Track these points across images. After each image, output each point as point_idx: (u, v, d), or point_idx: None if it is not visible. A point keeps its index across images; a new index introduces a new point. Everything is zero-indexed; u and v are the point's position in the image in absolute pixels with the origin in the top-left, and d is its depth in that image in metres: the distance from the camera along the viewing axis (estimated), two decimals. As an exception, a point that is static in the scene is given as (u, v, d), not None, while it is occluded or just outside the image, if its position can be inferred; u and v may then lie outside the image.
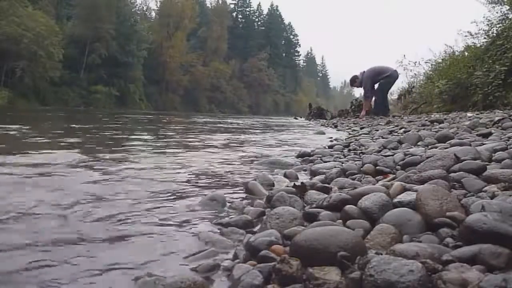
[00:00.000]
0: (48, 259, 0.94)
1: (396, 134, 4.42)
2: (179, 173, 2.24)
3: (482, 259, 0.80)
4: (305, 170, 2.43)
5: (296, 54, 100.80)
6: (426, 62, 13.62)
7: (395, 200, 1.26)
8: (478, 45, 10.88)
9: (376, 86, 10.88)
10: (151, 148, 3.73)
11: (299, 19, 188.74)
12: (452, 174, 1.54)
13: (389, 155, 2.40)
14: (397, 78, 11.19)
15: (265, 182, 1.92)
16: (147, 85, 56.14)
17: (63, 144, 3.77)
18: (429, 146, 2.68)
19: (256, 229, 1.26)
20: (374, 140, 3.80)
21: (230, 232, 1.20)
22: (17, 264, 0.90)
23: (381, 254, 0.87)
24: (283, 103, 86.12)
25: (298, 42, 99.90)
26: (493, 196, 1.25)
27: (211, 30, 71.90)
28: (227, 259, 1.00)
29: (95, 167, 2.28)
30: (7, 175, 1.90)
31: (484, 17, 10.67)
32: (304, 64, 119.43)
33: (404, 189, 1.37)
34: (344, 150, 3.27)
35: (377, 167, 2.06)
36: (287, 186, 1.76)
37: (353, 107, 13.65)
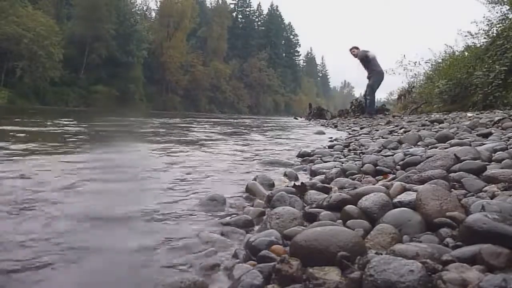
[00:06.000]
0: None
1: (396, 134, 4.42)
2: (178, 172, 2.24)
3: (482, 259, 0.80)
4: (305, 170, 2.43)
5: (296, 54, 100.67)
6: (426, 62, 13.66)
7: (395, 200, 1.26)
8: (478, 45, 10.90)
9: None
10: (149, 148, 3.72)
11: (299, 19, 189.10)
12: (452, 174, 1.54)
13: (389, 155, 2.40)
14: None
15: (265, 182, 1.91)
16: (147, 85, 56.11)
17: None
18: (429, 146, 2.68)
19: (256, 229, 1.26)
20: (374, 140, 3.80)
21: (230, 232, 1.20)
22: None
23: (381, 254, 0.86)
24: (283, 103, 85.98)
25: (298, 42, 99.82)
26: (493, 196, 1.25)
27: (211, 30, 71.83)
28: (227, 259, 1.00)
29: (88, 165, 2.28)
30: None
31: (484, 17, 10.69)
32: (304, 64, 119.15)
33: (404, 189, 1.37)
34: (344, 150, 3.26)
35: (377, 167, 2.06)
36: (287, 186, 1.76)
37: (353, 107, 13.65)
